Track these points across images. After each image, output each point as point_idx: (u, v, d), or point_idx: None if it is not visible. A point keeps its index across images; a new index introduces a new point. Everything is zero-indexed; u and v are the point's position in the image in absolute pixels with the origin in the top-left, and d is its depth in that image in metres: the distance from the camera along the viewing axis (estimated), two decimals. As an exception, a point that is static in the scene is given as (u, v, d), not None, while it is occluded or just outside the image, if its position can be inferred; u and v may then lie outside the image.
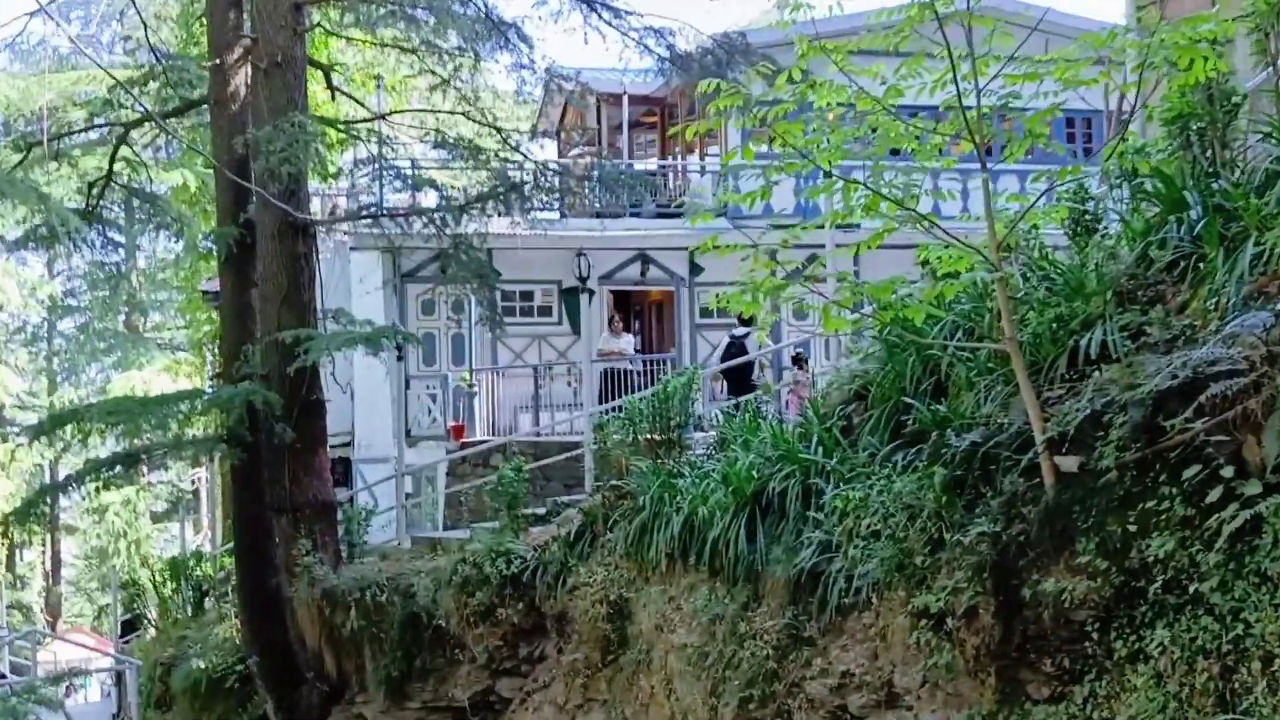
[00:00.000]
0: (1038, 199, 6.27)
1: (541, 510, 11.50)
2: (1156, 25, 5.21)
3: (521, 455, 12.30)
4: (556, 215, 18.50)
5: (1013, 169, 14.44)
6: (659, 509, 8.74)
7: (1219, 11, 5.40)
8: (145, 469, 15.25)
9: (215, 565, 19.04)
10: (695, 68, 13.05)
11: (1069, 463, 5.48)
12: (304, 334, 12.44)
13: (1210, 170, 6.13)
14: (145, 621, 20.49)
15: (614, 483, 9.75)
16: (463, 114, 14.98)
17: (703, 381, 12.13)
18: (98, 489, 14.47)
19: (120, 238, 27.88)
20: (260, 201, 12.63)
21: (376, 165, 15.34)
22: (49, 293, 39.87)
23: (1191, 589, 4.75)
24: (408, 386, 17.86)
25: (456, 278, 14.45)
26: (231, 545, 15.52)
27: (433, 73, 14.75)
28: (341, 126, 15.28)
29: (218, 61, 13.28)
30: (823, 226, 9.19)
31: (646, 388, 13.74)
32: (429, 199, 15.22)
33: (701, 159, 21.85)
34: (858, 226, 11.29)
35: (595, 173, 15.97)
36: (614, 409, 12.59)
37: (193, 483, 33.42)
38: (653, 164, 21.85)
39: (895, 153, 6.25)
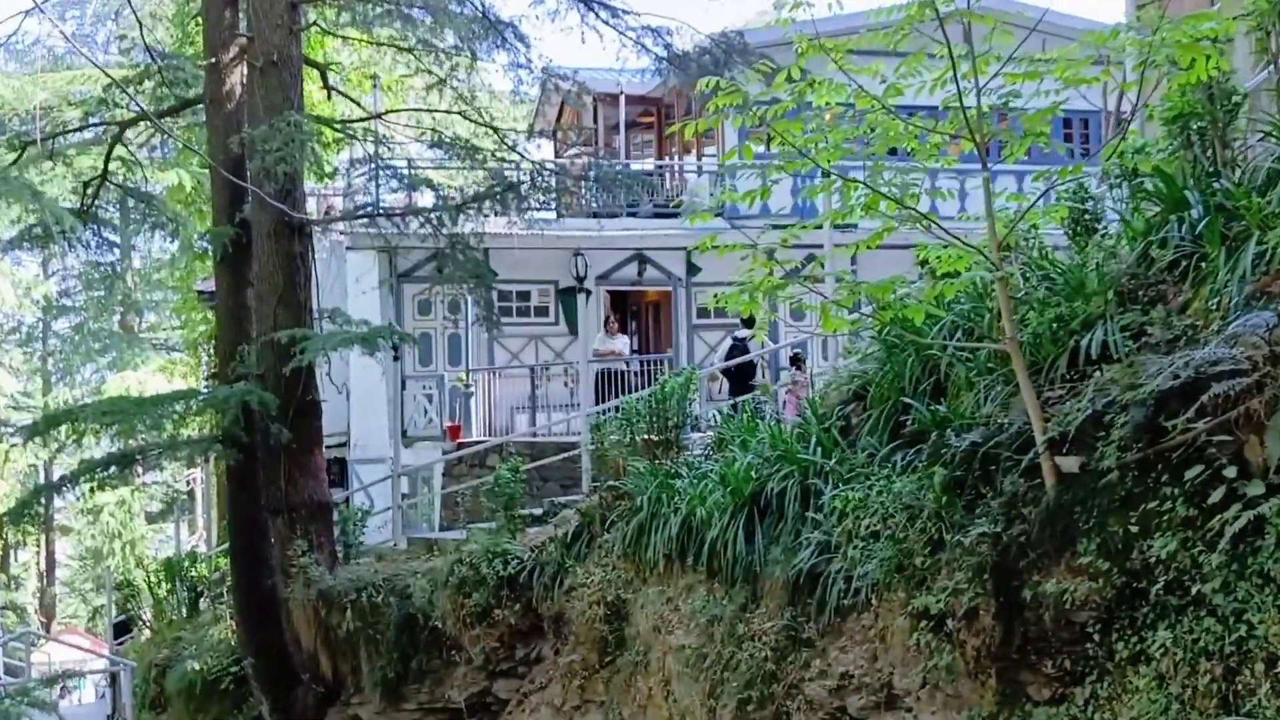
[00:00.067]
0: (1039, 198, 6.25)
1: (538, 511, 11.46)
2: (1159, 23, 5.17)
3: (518, 456, 12.26)
4: (553, 215, 18.47)
5: (1011, 169, 14.43)
6: (657, 509, 8.71)
7: (1221, 10, 5.38)
8: (140, 469, 15.18)
9: (210, 566, 18.98)
10: (693, 67, 13.01)
11: (1070, 463, 5.45)
12: (300, 334, 12.40)
13: (1211, 169, 6.11)
14: (140, 623, 20.42)
15: (611, 483, 9.72)
16: (459, 113, 14.93)
17: (700, 382, 12.10)
18: (92, 489, 14.43)
19: (115, 237, 27.84)
20: (256, 201, 12.59)
21: (373, 165, 15.29)
22: (44, 293, 39.75)
23: (1194, 590, 4.73)
24: (404, 387, 17.81)
25: (453, 278, 14.40)
26: (227, 546, 15.47)
27: (429, 72, 14.71)
28: (337, 126, 15.23)
29: (213, 60, 13.23)
30: (821, 226, 9.17)
31: (643, 388, 13.71)
32: (425, 198, 15.17)
33: (699, 159, 21.83)
34: (855, 227, 11.27)
35: (592, 173, 15.93)
36: (611, 409, 12.56)
37: (188, 483, 33.33)
38: (649, 164, 21.82)
39: (893, 153, 6.22)
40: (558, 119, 23.77)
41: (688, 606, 8.05)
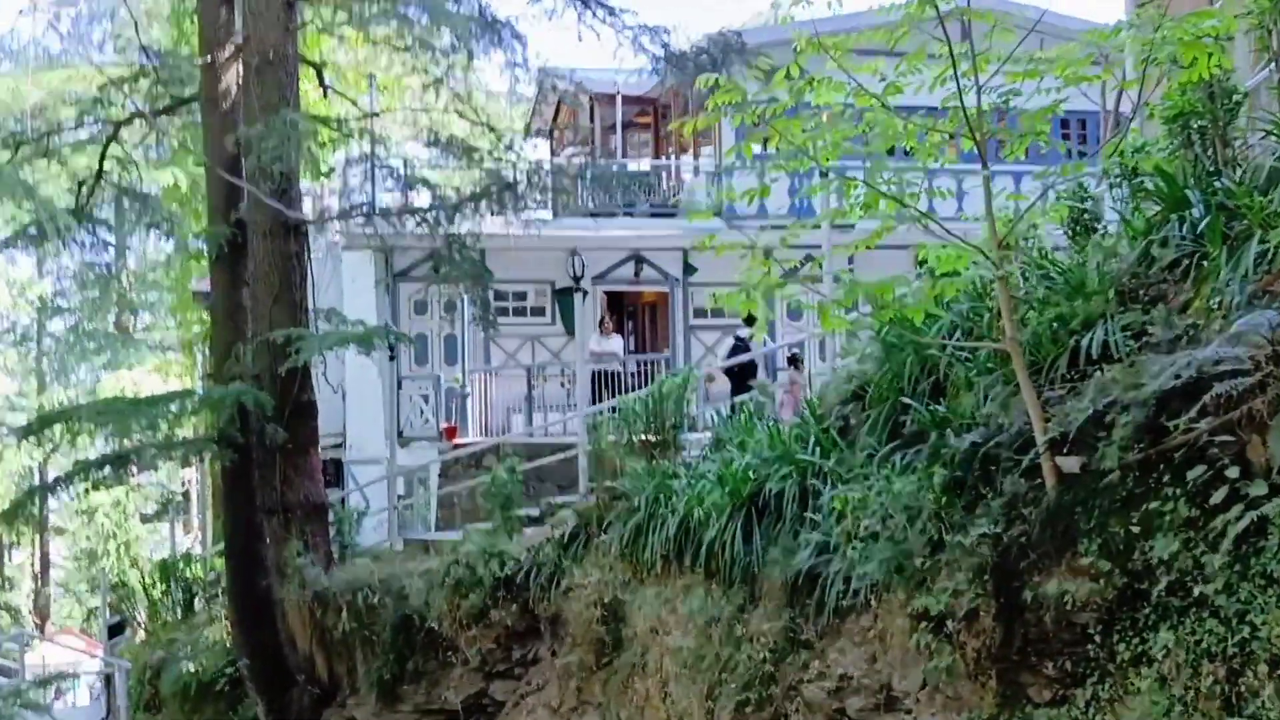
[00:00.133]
0: (1039, 197, 6.22)
1: (535, 511, 11.42)
2: (1160, 20, 5.15)
3: (514, 456, 12.22)
4: (550, 215, 18.43)
5: (1008, 170, 14.41)
6: (654, 510, 8.67)
7: (1223, 8, 5.35)
8: (135, 470, 15.12)
9: (205, 567, 18.90)
10: (690, 66, 12.97)
11: (1070, 463, 5.43)
12: (296, 334, 12.34)
13: (1212, 168, 6.09)
14: (134, 624, 20.34)
15: (608, 484, 9.68)
16: (456, 112, 14.88)
17: (697, 382, 12.07)
18: (87, 490, 14.35)
19: (110, 237, 27.74)
20: (252, 200, 12.53)
21: (369, 164, 15.24)
22: (38, 293, 39.65)
23: (1196, 591, 4.70)
24: (400, 387, 17.78)
25: (449, 277, 14.34)
26: (222, 547, 15.40)
27: (426, 71, 14.66)
28: (334, 125, 15.18)
29: (209, 59, 13.16)
30: (819, 226, 9.15)
31: (639, 389, 13.69)
32: (422, 198, 15.12)
33: (695, 159, 21.81)
34: (852, 227, 11.25)
35: (589, 172, 15.90)
36: (608, 410, 12.53)
37: (183, 484, 33.24)
38: (646, 165, 21.78)
39: (890, 153, 6.19)
40: (554, 119, 23.75)
41: (685, 607, 8.02)
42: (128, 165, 15.75)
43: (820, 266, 8.72)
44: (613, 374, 17.80)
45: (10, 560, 42.08)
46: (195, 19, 15.16)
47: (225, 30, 13.16)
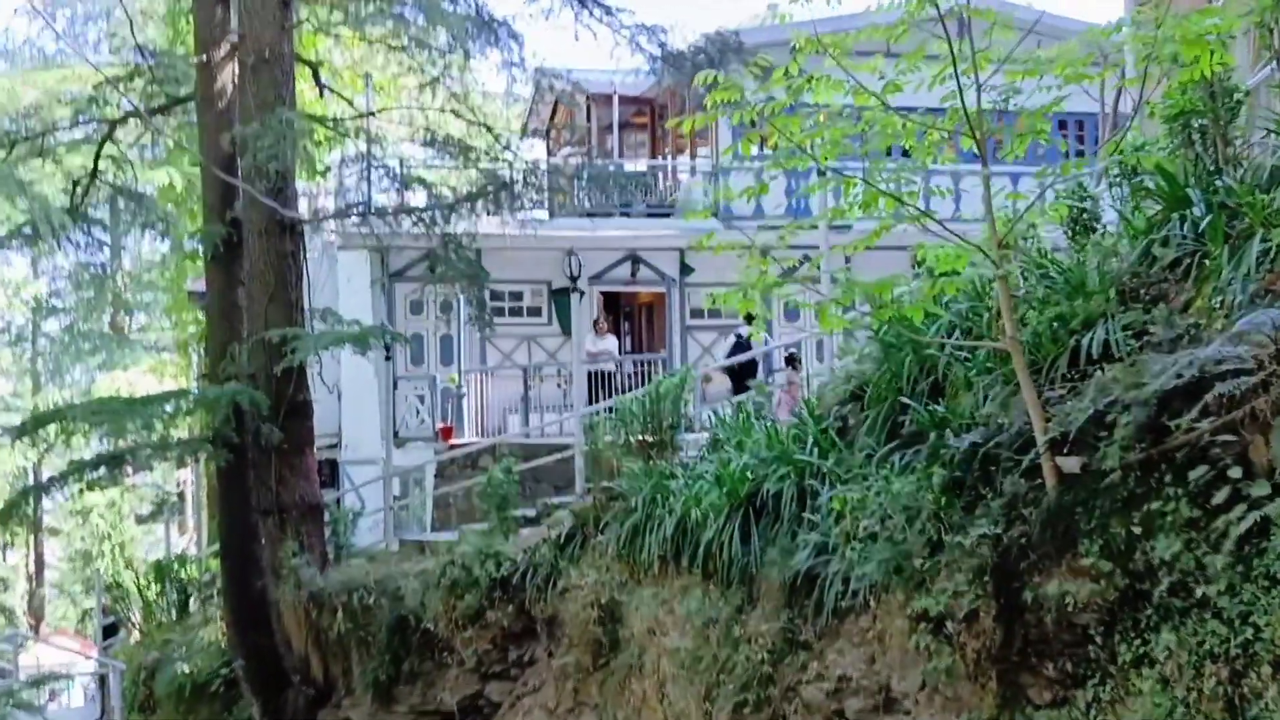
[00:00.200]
0: (1039, 195, 6.19)
1: (531, 512, 11.38)
2: (1162, 19, 5.12)
3: (511, 457, 12.18)
4: (546, 215, 18.39)
5: (1006, 170, 14.41)
6: (651, 510, 8.64)
7: (1225, 6, 5.32)
8: (130, 470, 15.04)
9: (200, 568, 18.83)
10: (687, 66, 12.94)
11: (1071, 463, 5.40)
12: (291, 333, 12.30)
13: (1213, 167, 6.06)
14: (128, 625, 20.26)
15: (605, 484, 9.64)
16: (452, 112, 14.84)
17: (695, 382, 12.04)
18: (81, 491, 14.28)
19: (105, 237, 27.65)
20: (247, 199, 12.49)
21: (365, 163, 15.19)
22: (33, 293, 39.55)
23: (1198, 592, 4.67)
24: (395, 387, 17.71)
25: (445, 277, 14.31)
26: (217, 547, 15.35)
27: (422, 70, 14.62)
28: (330, 124, 15.13)
29: (204, 57, 13.12)
30: (816, 227, 9.13)
31: (636, 389, 13.64)
32: (418, 198, 15.08)
33: (692, 159, 21.77)
34: (849, 228, 11.23)
35: (585, 172, 15.85)
36: (605, 410, 12.49)
37: (178, 485, 33.15)
38: (643, 165, 21.75)
39: (887, 153, 6.16)
40: (551, 119, 23.71)
41: (683, 608, 7.98)
42: (123, 165, 15.70)
43: (818, 267, 8.68)
44: (609, 374, 17.76)
45: (5, 561, 41.96)
46: (191, 18, 15.12)
47: (221, 29, 13.12)
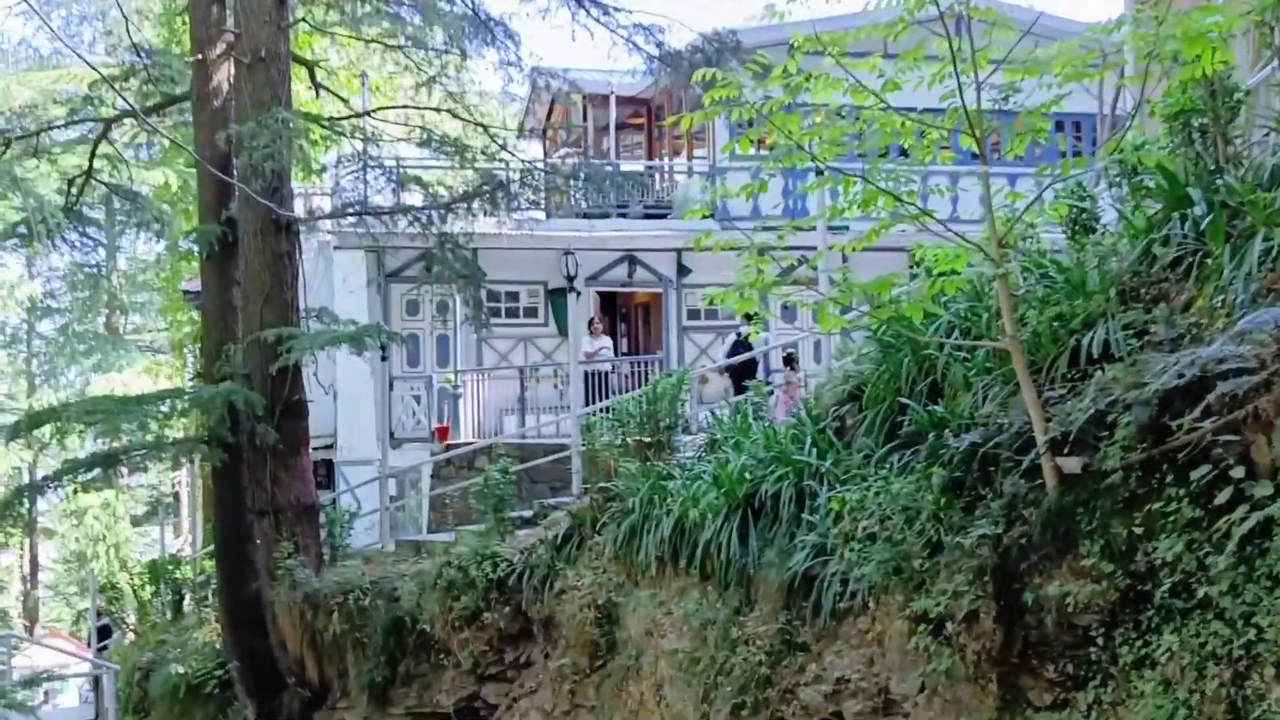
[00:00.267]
0: (1039, 194, 6.16)
1: (528, 513, 11.34)
2: (1164, 16, 5.09)
3: (507, 457, 12.14)
4: (543, 215, 18.35)
5: (1004, 171, 14.38)
6: (649, 511, 8.61)
7: (1226, 5, 5.30)
8: (124, 471, 15.00)
9: (195, 569, 18.78)
10: (685, 65, 12.90)
11: (1072, 464, 5.36)
12: (287, 333, 12.26)
13: (1213, 166, 6.03)
14: (122, 626, 20.20)
15: (602, 485, 9.60)
16: (449, 111, 14.80)
17: (692, 383, 12.00)
18: (76, 491, 14.24)
19: (101, 237, 27.60)
20: (243, 198, 12.44)
21: (361, 163, 15.14)
22: (28, 294, 39.44)
23: (1201, 593, 4.64)
24: (391, 388, 17.66)
25: (441, 277, 14.26)
26: (212, 548, 15.30)
27: (418, 70, 14.57)
28: (326, 123, 15.08)
29: (200, 56, 13.08)
30: (814, 227, 9.08)
31: (632, 390, 13.58)
32: (414, 197, 15.04)
33: (689, 159, 21.74)
34: (846, 229, 11.19)
35: (582, 172, 15.81)
36: (601, 411, 12.45)
37: (173, 486, 33.07)
38: (639, 166, 21.72)
39: (883, 155, 6.14)
40: (548, 119, 23.67)
41: (680, 610, 7.95)
42: (118, 164, 15.66)
43: (815, 268, 8.64)
44: (606, 375, 17.72)
45: (-1, 562, 41.84)
46: (186, 17, 15.08)
47: (217, 28, 13.08)
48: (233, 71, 12.96)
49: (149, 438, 12.93)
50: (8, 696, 12.54)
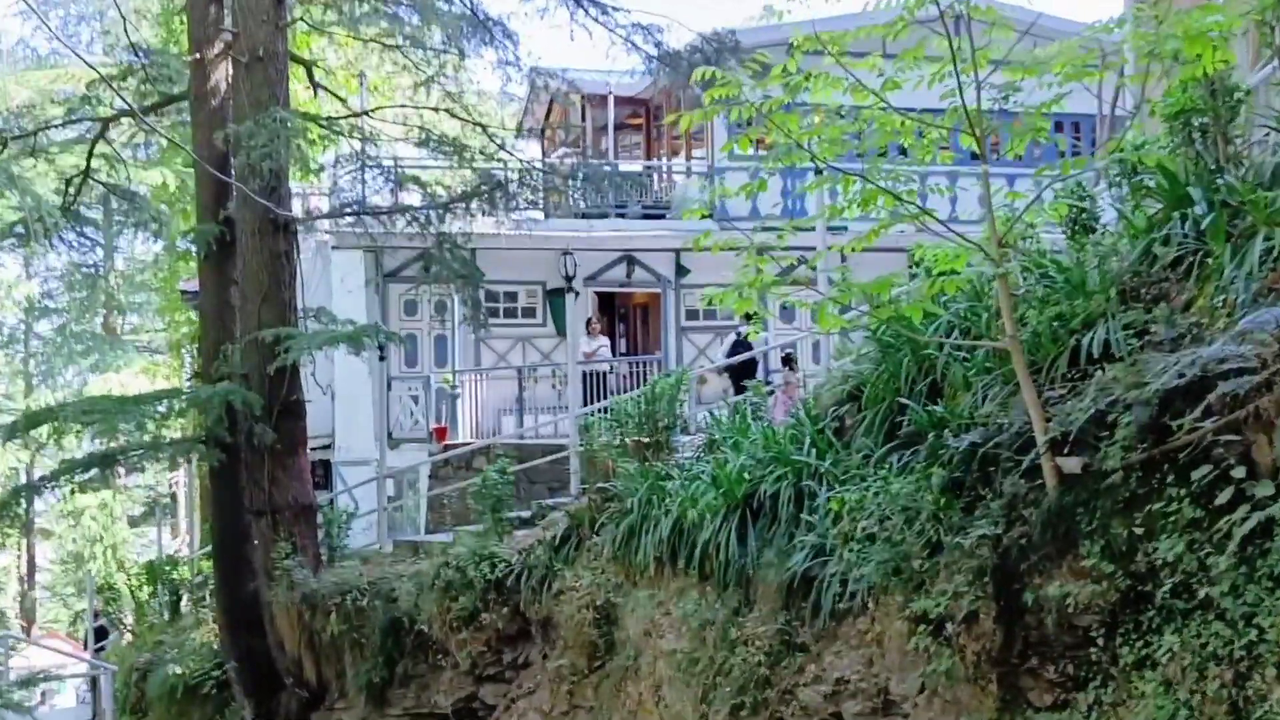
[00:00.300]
0: (1039, 194, 6.14)
1: (526, 513, 11.32)
2: (1165, 15, 5.08)
3: (505, 458, 12.12)
4: (541, 215, 18.32)
5: (1003, 171, 14.37)
6: (647, 512, 8.59)
7: (1227, 4, 5.28)
8: (122, 471, 14.96)
9: (192, 569, 18.76)
10: (684, 65, 12.89)
11: (1072, 464, 5.35)
12: (284, 333, 12.24)
13: (1214, 166, 6.01)
14: (120, 627, 20.17)
15: (600, 485, 9.58)
16: (447, 111, 14.78)
17: (690, 383, 11.98)
18: (73, 491, 14.20)
19: (98, 237, 27.54)
20: (241, 198, 12.42)
21: (359, 162, 15.12)
22: (26, 293, 39.39)
23: (1201, 593, 4.62)
24: (389, 388, 17.64)
25: (440, 277, 14.24)
26: (209, 549, 15.27)
27: (416, 69, 14.55)
28: (324, 123, 15.06)
29: (198, 56, 13.06)
30: (813, 227, 9.07)
31: (630, 390, 13.55)
32: (412, 197, 15.02)
33: (688, 159, 21.73)
34: (845, 229, 11.18)
35: (580, 172, 15.80)
36: (600, 411, 12.43)
37: (170, 486, 33.04)
38: (638, 166, 21.70)
39: (882, 155, 6.12)
40: (546, 119, 23.65)
41: (679, 610, 7.93)
42: (116, 164, 15.63)
43: (814, 268, 8.63)
44: (604, 375, 17.71)
45: (-4, 563, 41.78)
46: (184, 17, 15.05)
47: (214, 27, 13.06)
48: (230, 71, 12.94)
49: (146, 438, 12.91)
50: (5, 697, 12.51)
